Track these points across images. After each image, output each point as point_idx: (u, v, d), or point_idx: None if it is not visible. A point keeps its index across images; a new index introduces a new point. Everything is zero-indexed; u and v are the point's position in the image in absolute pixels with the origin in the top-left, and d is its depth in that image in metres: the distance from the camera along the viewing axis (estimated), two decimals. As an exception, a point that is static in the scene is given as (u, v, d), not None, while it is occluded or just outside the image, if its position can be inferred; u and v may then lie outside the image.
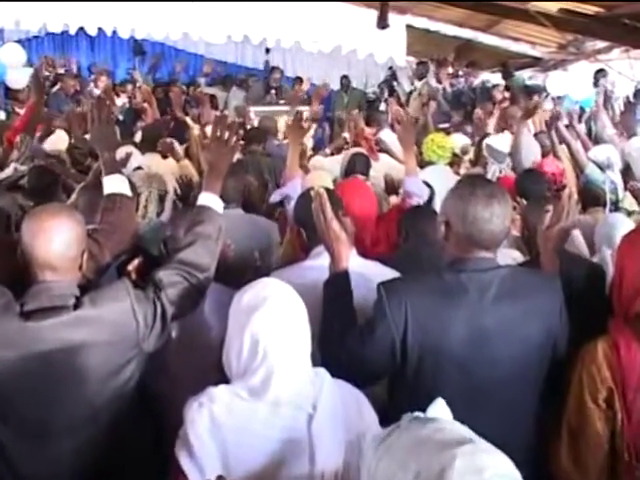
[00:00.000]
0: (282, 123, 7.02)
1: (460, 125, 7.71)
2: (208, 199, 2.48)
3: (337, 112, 10.73)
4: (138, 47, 11.59)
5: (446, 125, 7.94)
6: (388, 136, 6.48)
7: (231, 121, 2.63)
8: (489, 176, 5.06)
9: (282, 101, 9.38)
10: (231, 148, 2.57)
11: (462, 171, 5.94)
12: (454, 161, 5.85)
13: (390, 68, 10.72)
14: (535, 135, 5.96)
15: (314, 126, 6.61)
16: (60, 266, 2.13)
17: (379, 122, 6.91)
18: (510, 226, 2.24)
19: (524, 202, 3.79)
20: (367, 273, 2.55)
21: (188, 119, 6.96)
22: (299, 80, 10.02)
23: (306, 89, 9.23)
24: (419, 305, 2.14)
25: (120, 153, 4.27)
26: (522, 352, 2.16)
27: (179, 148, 5.79)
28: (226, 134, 2.57)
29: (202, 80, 11.15)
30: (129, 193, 2.73)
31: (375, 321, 2.18)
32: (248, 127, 6.81)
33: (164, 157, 5.52)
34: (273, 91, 9.74)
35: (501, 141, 5.38)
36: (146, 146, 5.51)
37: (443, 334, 2.12)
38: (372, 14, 9.15)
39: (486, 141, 5.34)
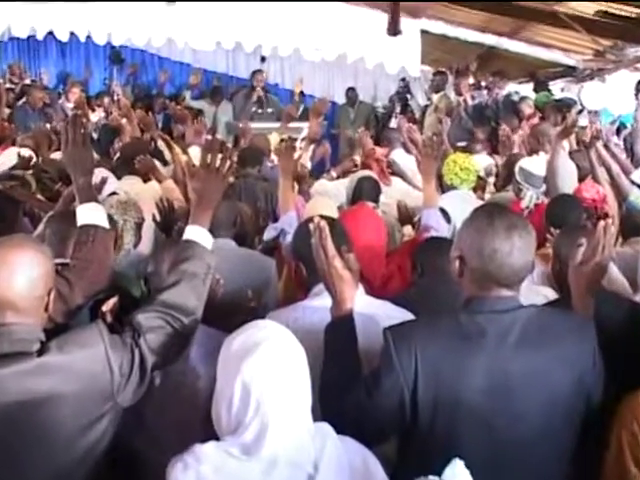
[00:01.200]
0: (272, 139, 7.07)
1: (482, 143, 7.76)
2: (195, 233, 2.51)
3: (343, 129, 10.86)
4: (116, 55, 11.76)
5: (466, 143, 7.99)
6: (401, 157, 6.55)
7: (223, 145, 2.67)
8: (525, 204, 5.07)
9: (270, 110, 9.47)
10: (222, 177, 2.60)
11: (487, 197, 5.97)
12: (478, 185, 5.87)
13: (403, 79, 10.83)
14: (569, 155, 5.98)
15: (312, 146, 6.66)
16: (23, 307, 2.12)
17: (391, 141, 6.98)
18: (535, 261, 2.26)
19: (556, 232, 3.82)
20: (376, 315, 2.57)
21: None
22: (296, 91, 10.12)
23: (302, 104, 9.34)
24: (431, 352, 2.16)
25: (95, 178, 4.31)
26: (549, 406, 2.17)
27: (162, 167, 5.83)
28: (217, 161, 2.60)
29: (187, 93, 11.30)
30: (106, 224, 2.76)
31: (382, 371, 2.20)
32: (242, 146, 6.89)
33: (145, 180, 5.57)
34: (256, 96, 9.86)
35: (537, 164, 5.35)
36: (124, 168, 5.52)
37: (459, 385, 2.14)
38: (382, 18, 9.20)
39: (520, 164, 5.32)
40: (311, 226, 2.43)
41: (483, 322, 2.18)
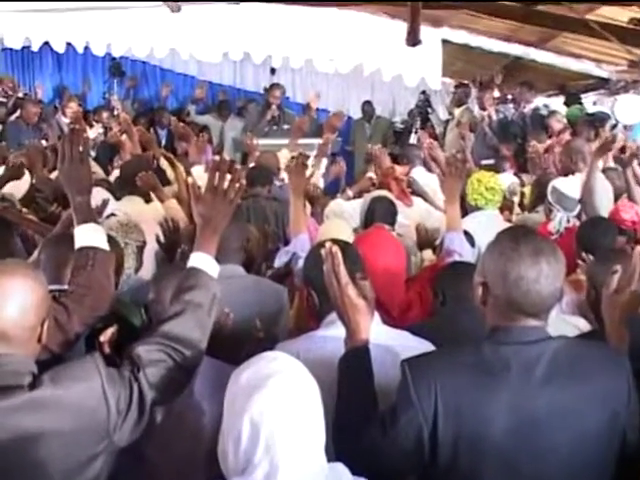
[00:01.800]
0: (283, 156, 7.10)
1: (509, 161, 7.77)
2: (201, 260, 2.52)
3: (359, 146, 10.89)
4: (116, 66, 11.83)
5: (491, 161, 8.00)
6: (422, 176, 6.57)
7: (232, 165, 2.65)
8: (555, 226, 5.06)
9: (285, 126, 9.44)
10: (230, 201, 2.60)
11: (514, 218, 5.97)
12: (505, 205, 5.87)
13: (423, 92, 10.86)
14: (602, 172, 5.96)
15: (324, 162, 6.68)
16: (14, 336, 2.13)
17: (410, 158, 7.00)
18: (564, 288, 2.26)
19: (590, 258, 3.82)
20: (393, 346, 2.58)
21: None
22: (308, 107, 10.08)
23: (313, 118, 9.31)
24: (452, 387, 2.16)
25: (95, 199, 4.34)
26: (578, 446, 2.17)
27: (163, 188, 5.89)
28: (225, 183, 2.60)
29: (192, 107, 11.38)
30: (106, 246, 2.78)
31: (399, 407, 2.20)
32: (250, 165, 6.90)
33: (147, 201, 5.60)
34: (270, 115, 9.73)
35: (572, 185, 5.32)
36: (123, 188, 5.54)
37: (481, 423, 2.14)
38: (401, 27, 9.21)
39: (554, 184, 5.29)
40: (322, 251, 2.43)
41: (508, 354, 2.18)
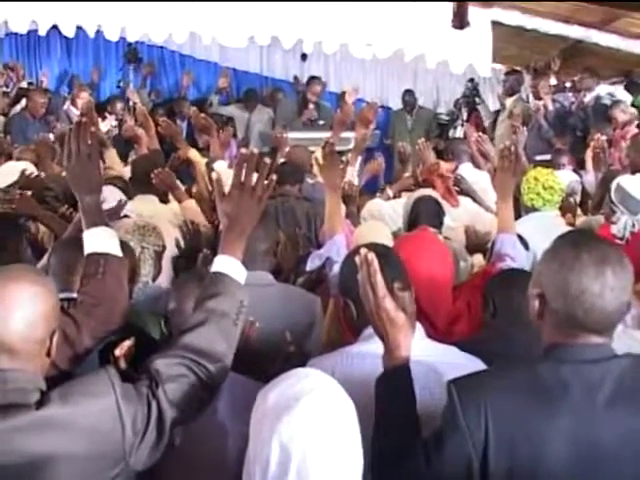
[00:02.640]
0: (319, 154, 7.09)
1: (567, 157, 7.72)
2: (226, 264, 2.51)
3: (399, 140, 10.86)
4: (131, 52, 11.91)
5: (547, 157, 7.95)
6: (470, 173, 6.55)
7: (260, 160, 2.61)
8: (619, 230, 4.98)
9: (321, 122, 9.41)
10: (259, 199, 2.59)
11: (578, 221, 5.90)
12: (565, 207, 5.79)
13: (471, 80, 10.82)
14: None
15: (359, 159, 6.67)
16: (20, 350, 2.13)
17: (457, 154, 6.98)
18: (631, 301, 2.23)
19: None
20: (438, 364, 2.58)
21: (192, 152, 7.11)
22: (345, 96, 10.04)
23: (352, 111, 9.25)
24: (505, 411, 2.14)
25: (108, 199, 4.36)
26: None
27: (181, 185, 5.91)
28: (253, 179, 2.58)
29: (215, 97, 11.43)
30: (119, 252, 2.80)
31: (445, 433, 2.19)
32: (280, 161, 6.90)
33: (163, 201, 5.64)
34: (307, 118, 9.73)
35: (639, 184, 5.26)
36: (138, 186, 5.61)
37: (538, 451, 2.12)
38: (446, 8, 9.21)
39: (619, 181, 5.20)
40: (357, 259, 2.43)
41: (567, 375, 2.16)
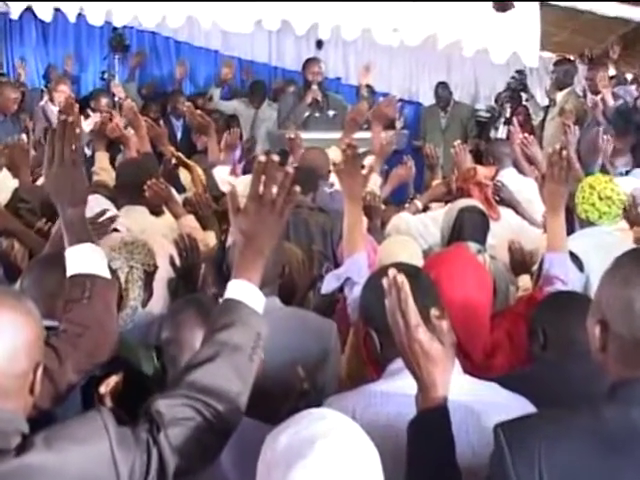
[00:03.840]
0: (333, 155, 7.03)
1: (629, 160, 7.72)
2: (241, 290, 2.49)
3: (431, 141, 10.83)
4: (118, 39, 11.95)
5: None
6: (513, 180, 6.53)
7: (282, 169, 2.57)
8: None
9: (330, 112, 9.32)
10: (280, 214, 2.55)
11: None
12: (632, 219, 5.69)
13: (520, 72, 10.79)
14: None
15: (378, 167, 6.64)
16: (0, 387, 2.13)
17: (498, 157, 6.96)
18: None
19: None
20: (477, 404, 2.57)
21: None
22: (364, 89, 10.02)
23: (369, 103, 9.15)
24: (562, 462, 2.09)
25: (93, 210, 4.35)
26: None
27: (178, 197, 5.92)
28: (273, 191, 2.54)
29: (216, 91, 11.45)
30: (106, 273, 2.81)
31: (492, 487, 2.16)
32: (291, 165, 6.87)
33: (154, 212, 5.66)
34: (311, 98, 9.49)
35: None
36: (125, 195, 5.61)
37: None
38: (486, -13, 9.23)
39: None
40: (384, 282, 2.40)
41: (638, 419, 2.10)
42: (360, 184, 4.24)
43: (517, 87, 10.79)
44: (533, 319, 3.46)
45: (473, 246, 4.59)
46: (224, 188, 6.23)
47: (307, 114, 9.41)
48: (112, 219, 4.57)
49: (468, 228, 4.79)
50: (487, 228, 4.91)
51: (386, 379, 2.73)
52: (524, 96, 10.73)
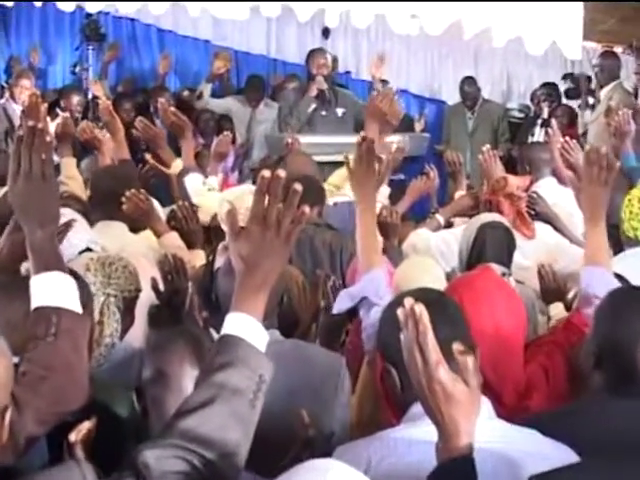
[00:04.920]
0: (337, 181, 6.97)
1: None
2: (242, 325, 2.47)
3: (456, 144, 10.85)
4: (92, 27, 11.90)
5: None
6: (551, 191, 6.51)
7: (289, 185, 2.48)
8: None
9: (339, 110, 9.21)
10: (287, 238, 2.50)
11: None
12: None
13: (569, 77, 10.75)
14: None
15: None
16: None
17: (536, 165, 6.95)
18: None
19: None
20: (511, 452, 2.57)
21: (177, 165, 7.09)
22: (378, 84, 9.98)
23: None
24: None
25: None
26: None
27: (160, 210, 5.98)
28: (277, 208, 2.48)
29: (207, 87, 11.45)
30: (77, 307, 2.81)
31: None
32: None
33: (134, 229, 5.67)
34: (316, 90, 9.30)
35: None
36: (99, 209, 5.60)
37: None
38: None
39: None
40: (400, 312, 2.38)
41: None
42: (375, 186, 4.24)
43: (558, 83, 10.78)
44: (585, 346, 3.34)
45: (497, 269, 4.51)
46: (196, 200, 6.24)
47: (312, 108, 9.27)
48: (68, 225, 4.43)
49: (490, 247, 4.79)
50: (513, 247, 4.91)
51: (407, 424, 2.73)
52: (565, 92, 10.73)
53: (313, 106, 9.24)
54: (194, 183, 6.53)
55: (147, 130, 7.15)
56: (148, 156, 7.33)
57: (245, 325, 2.47)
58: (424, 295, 2.54)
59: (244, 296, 2.51)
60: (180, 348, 2.85)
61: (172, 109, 7.30)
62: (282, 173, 2.44)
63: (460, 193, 6.88)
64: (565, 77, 10.73)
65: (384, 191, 6.44)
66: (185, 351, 2.67)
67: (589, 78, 10.72)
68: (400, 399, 2.79)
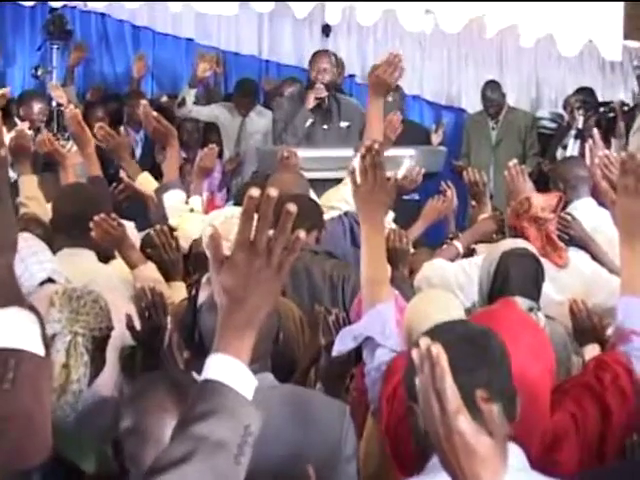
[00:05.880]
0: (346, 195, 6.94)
1: None
2: (225, 369, 2.45)
3: (478, 158, 10.86)
4: (56, 23, 11.86)
5: None
6: (588, 213, 6.51)
7: (281, 206, 2.42)
8: None
9: (343, 124, 9.16)
10: (278, 267, 2.47)
11: None
12: None
13: (605, 106, 10.78)
14: None
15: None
16: None
17: (571, 183, 6.95)
18: None
19: None
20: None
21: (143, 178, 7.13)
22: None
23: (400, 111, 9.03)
24: None
25: (22, 255, 4.35)
26: None
27: (136, 236, 6.03)
28: (267, 233, 2.46)
29: (190, 93, 11.44)
30: (39, 348, 2.84)
31: None
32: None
33: (104, 258, 5.71)
34: (314, 98, 9.17)
35: None
36: (64, 234, 5.60)
37: None
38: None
39: None
40: (414, 354, 2.36)
41: None
42: (383, 205, 4.23)
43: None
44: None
45: (522, 303, 4.51)
46: (175, 222, 6.25)
47: (310, 122, 9.15)
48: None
49: (515, 278, 4.79)
50: (542, 278, 4.91)
51: (429, 475, 2.74)
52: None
53: (310, 120, 9.12)
54: (174, 201, 6.51)
55: (108, 138, 7.13)
56: (123, 173, 7.30)
57: (229, 369, 2.44)
58: (442, 335, 2.56)
59: (228, 335, 2.47)
60: (160, 396, 2.87)
61: (154, 114, 7.21)
62: (273, 192, 2.37)
63: (484, 216, 6.86)
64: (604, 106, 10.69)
65: (388, 215, 6.40)
66: (166, 400, 2.68)
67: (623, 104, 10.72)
68: (422, 445, 2.79)
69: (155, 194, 6.65)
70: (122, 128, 8.13)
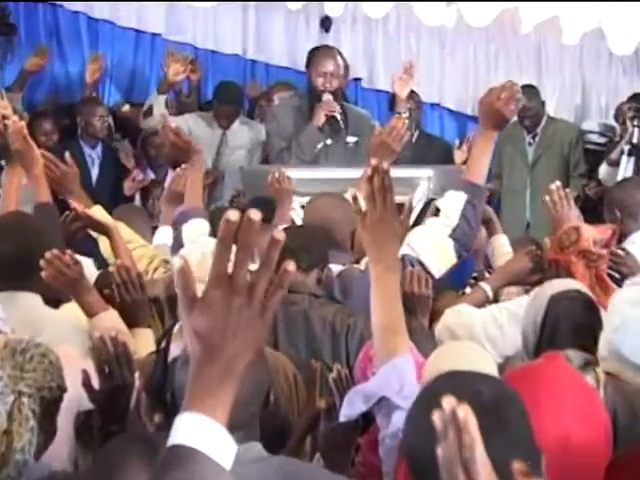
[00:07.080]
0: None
1: None
2: (198, 431, 2.42)
3: (512, 179, 10.89)
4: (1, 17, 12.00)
5: None
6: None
7: (270, 233, 2.38)
8: None
9: (350, 140, 9.12)
10: (262, 308, 2.44)
11: None
12: None
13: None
14: None
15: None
16: None
17: (629, 211, 6.98)
18: None
19: None
20: None
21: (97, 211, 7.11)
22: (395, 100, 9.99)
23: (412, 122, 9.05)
24: None
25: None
26: None
27: (93, 273, 6.08)
28: (246, 269, 2.43)
29: (159, 100, 11.47)
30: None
31: None
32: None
33: (53, 302, 5.72)
34: (322, 118, 9.09)
35: None
36: (5, 275, 5.59)
37: None
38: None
39: None
40: (436, 418, 2.35)
41: None
42: (397, 236, 4.22)
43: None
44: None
45: (576, 357, 4.58)
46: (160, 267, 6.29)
47: (322, 145, 9.07)
48: None
49: (566, 327, 4.79)
50: (599, 327, 4.91)
51: None
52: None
53: (322, 143, 9.05)
54: (196, 232, 6.44)
55: (51, 169, 6.97)
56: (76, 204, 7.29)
57: (202, 431, 2.39)
58: (472, 395, 2.54)
59: (201, 390, 2.42)
60: (133, 463, 2.87)
61: (173, 125, 7.16)
62: (255, 214, 2.30)
63: (499, 238, 6.92)
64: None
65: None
66: (138, 465, 2.67)
67: None
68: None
69: (173, 225, 6.63)
70: (67, 154, 7.96)
